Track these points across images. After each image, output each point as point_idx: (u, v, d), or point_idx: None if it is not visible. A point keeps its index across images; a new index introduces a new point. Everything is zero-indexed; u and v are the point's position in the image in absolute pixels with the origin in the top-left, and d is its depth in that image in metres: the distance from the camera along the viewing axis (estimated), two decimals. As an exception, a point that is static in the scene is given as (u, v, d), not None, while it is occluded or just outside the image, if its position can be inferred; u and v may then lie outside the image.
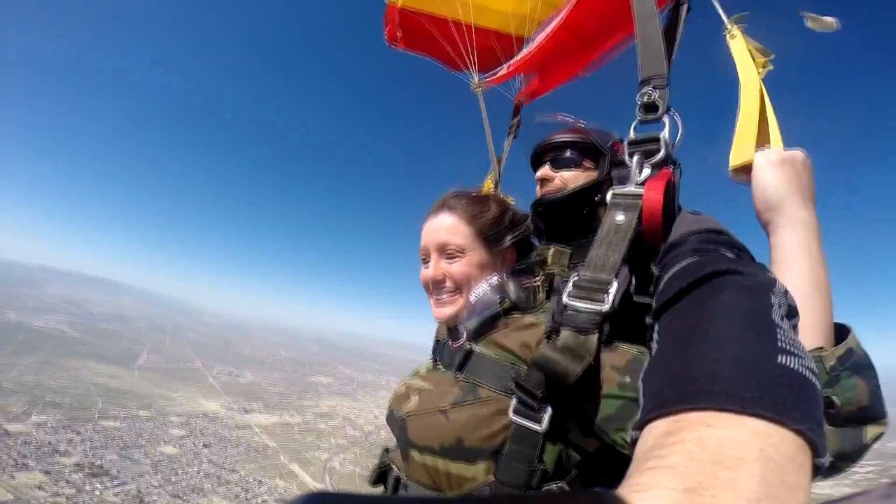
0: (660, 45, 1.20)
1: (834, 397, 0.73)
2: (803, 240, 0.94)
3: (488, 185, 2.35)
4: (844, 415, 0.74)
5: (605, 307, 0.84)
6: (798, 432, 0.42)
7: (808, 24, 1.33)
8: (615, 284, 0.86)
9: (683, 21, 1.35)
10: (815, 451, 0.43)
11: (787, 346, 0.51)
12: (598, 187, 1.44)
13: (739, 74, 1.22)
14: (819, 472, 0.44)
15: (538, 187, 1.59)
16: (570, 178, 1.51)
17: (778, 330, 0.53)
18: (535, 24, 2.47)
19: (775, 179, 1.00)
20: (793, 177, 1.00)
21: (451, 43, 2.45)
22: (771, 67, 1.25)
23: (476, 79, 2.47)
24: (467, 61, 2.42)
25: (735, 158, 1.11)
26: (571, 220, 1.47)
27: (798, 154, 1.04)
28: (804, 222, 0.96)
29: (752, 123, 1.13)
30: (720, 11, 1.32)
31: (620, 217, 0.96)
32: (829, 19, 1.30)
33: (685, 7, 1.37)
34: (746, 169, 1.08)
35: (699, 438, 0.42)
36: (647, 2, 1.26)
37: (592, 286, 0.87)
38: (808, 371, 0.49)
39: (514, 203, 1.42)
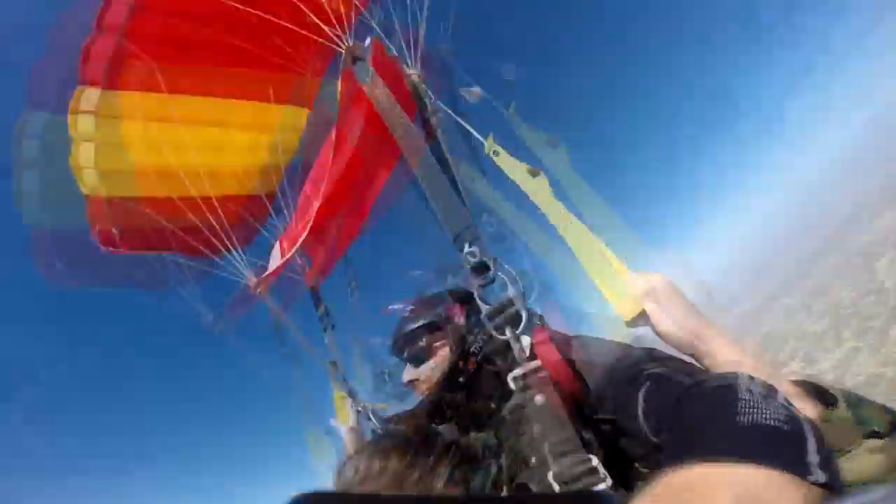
0: (455, 196, 1.14)
1: (874, 427, 0.81)
2: (724, 348, 1.00)
3: (339, 398, 2.08)
4: (886, 432, 0.81)
5: (606, 482, 0.83)
6: (767, 465, 0.52)
7: (470, 98, 1.35)
8: (594, 459, 0.85)
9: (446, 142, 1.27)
10: (802, 476, 0.52)
11: (752, 409, 0.62)
12: (461, 360, 1.39)
13: (543, 210, 1.14)
14: (835, 489, 0.53)
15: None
16: (432, 371, 1.45)
17: (740, 402, 0.64)
18: (279, 175, 2.17)
19: (676, 321, 1.03)
20: (681, 306, 1.04)
21: (189, 227, 1.91)
22: (545, 181, 1.17)
23: (248, 274, 2.01)
24: (224, 242, 1.94)
25: (626, 314, 1.09)
26: (463, 402, 1.37)
27: (664, 279, 1.08)
28: (714, 333, 1.02)
29: (608, 269, 1.10)
30: (472, 131, 1.23)
31: (539, 398, 0.94)
32: (475, 90, 1.34)
33: (438, 129, 1.28)
34: (639, 315, 1.08)
35: (681, 480, 0.54)
36: (425, 155, 1.18)
37: (579, 476, 0.85)
38: (775, 420, 0.60)
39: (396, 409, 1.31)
